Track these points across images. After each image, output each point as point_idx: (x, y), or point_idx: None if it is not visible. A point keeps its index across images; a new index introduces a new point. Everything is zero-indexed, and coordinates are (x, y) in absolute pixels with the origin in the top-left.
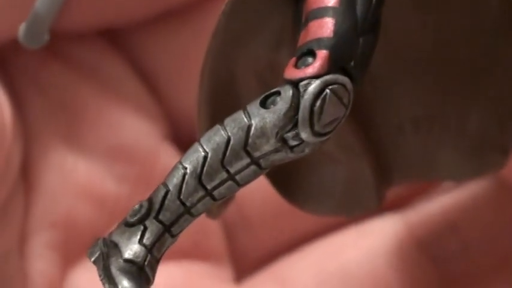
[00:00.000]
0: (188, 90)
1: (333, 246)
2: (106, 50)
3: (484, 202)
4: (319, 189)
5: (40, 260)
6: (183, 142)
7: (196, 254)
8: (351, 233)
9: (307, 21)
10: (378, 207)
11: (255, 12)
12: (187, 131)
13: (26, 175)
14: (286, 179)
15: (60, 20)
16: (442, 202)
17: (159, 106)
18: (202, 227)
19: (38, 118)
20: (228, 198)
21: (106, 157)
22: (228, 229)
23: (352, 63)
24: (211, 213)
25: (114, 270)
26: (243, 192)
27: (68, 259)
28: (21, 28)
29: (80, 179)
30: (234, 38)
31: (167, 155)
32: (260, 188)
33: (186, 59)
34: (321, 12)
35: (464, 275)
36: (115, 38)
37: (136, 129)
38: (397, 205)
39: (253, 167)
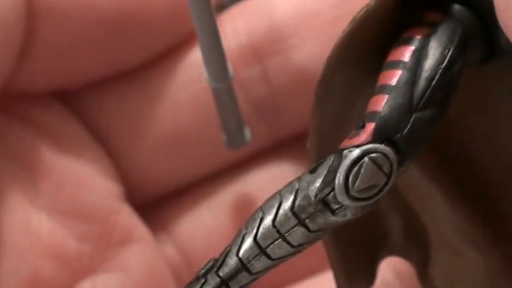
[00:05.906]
0: (141, 152)
1: None
2: (63, 111)
3: None
4: (456, 281)
5: None
6: (137, 203)
7: None
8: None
9: (371, 97)
10: None
11: (346, 90)
12: (141, 192)
13: None
14: (427, 272)
15: (14, 80)
16: None
17: (116, 167)
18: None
19: (3, 178)
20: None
21: (68, 217)
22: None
23: (398, 136)
24: None
25: None
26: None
27: None
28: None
29: (44, 239)
30: (332, 116)
31: (125, 215)
32: (202, 236)
33: (139, 120)
34: (381, 89)
35: None
36: (70, 99)
37: (96, 190)
38: None
39: (301, 229)
